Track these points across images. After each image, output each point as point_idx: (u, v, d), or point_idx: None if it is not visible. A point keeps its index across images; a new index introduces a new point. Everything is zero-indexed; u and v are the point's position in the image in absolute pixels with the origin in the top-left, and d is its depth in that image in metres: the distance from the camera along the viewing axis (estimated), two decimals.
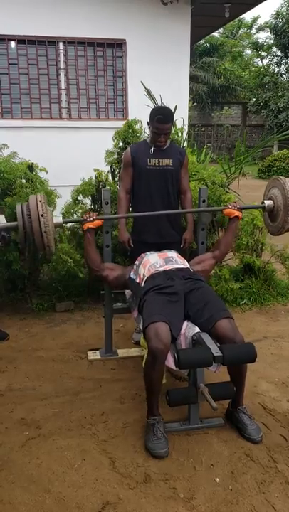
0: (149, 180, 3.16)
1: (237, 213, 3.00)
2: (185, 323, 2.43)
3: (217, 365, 2.33)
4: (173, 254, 2.91)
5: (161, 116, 3.00)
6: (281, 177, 3.01)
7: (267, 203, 3.05)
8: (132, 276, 2.91)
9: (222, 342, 2.29)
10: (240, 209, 3.02)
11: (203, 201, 3.23)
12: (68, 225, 4.22)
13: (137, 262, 2.96)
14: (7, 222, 3.33)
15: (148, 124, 3.11)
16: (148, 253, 2.95)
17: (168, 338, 2.25)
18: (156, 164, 3.14)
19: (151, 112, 3.07)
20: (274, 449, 2.31)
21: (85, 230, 2.90)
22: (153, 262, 2.80)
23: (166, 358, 2.28)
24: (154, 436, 2.30)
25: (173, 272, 2.68)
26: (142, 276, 2.77)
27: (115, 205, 3.94)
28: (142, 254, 2.97)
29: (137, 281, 2.82)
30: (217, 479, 2.11)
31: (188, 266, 2.83)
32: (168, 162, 3.15)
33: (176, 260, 2.82)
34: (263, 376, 3.02)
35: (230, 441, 2.38)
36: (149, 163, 3.13)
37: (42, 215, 2.58)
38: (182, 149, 3.36)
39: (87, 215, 2.93)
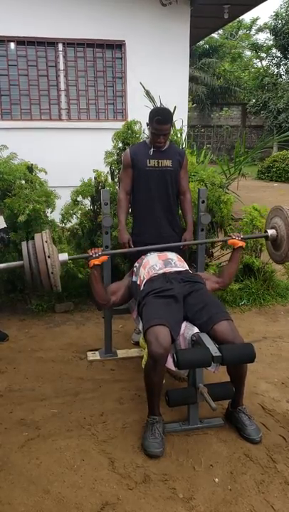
0: (149, 181, 3.16)
1: (241, 243, 2.98)
2: (184, 324, 2.44)
3: (216, 365, 2.33)
4: (173, 256, 2.90)
5: (160, 117, 3.00)
6: (283, 207, 3.00)
7: (270, 232, 3.06)
8: (133, 279, 2.91)
9: (221, 344, 2.28)
10: (243, 239, 3.01)
11: (203, 202, 3.24)
12: (68, 225, 4.23)
13: (137, 264, 2.95)
14: (7, 233, 3.31)
15: (147, 125, 3.12)
16: (147, 254, 2.94)
17: (168, 341, 2.25)
18: (156, 165, 3.14)
19: (150, 113, 3.07)
20: (273, 450, 2.31)
21: (91, 267, 2.78)
22: (152, 264, 2.79)
23: (166, 360, 2.28)
24: (152, 435, 2.31)
25: (172, 275, 2.68)
26: (141, 278, 2.76)
27: (115, 206, 3.95)
28: (142, 256, 2.96)
29: (138, 283, 2.81)
30: (216, 479, 2.11)
31: (187, 268, 2.82)
32: (167, 163, 3.15)
33: (175, 263, 2.80)
34: (263, 376, 3.02)
35: (229, 441, 2.38)
36: (148, 164, 3.13)
37: (49, 257, 2.53)
38: (181, 150, 3.36)
39: (93, 252, 2.82)
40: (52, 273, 2.53)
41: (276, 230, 3.03)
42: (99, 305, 2.93)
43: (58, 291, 2.66)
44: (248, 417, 2.45)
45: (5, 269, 3.08)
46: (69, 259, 2.82)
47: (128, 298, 2.98)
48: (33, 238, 2.64)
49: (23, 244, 2.62)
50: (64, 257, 2.75)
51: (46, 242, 2.56)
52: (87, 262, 2.80)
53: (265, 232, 3.10)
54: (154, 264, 2.79)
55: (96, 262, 2.75)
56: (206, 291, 2.63)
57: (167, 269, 2.73)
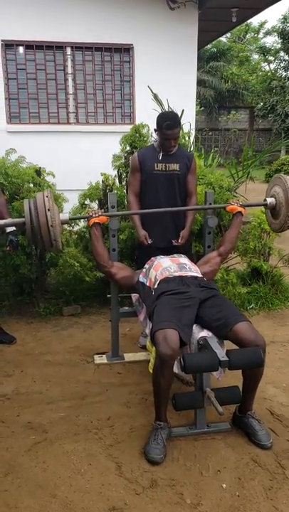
0: (156, 185, 3.16)
1: (240, 209, 3.04)
2: (192, 328, 2.41)
3: (220, 372, 2.32)
4: (186, 260, 2.87)
5: (170, 122, 3.00)
6: (282, 175, 3.08)
7: (269, 200, 3.12)
8: (141, 279, 2.89)
9: (242, 345, 2.26)
10: (242, 206, 3.06)
11: (210, 205, 3.23)
12: (75, 228, 4.23)
13: (146, 266, 2.93)
14: (16, 236, 3.35)
15: (155, 130, 3.11)
16: (158, 257, 2.93)
17: (177, 343, 2.22)
18: (163, 169, 3.13)
19: (158, 119, 3.06)
20: (282, 455, 2.28)
21: (91, 225, 2.93)
22: (166, 266, 2.76)
23: (174, 362, 2.26)
24: (154, 440, 2.28)
25: (188, 279, 2.65)
26: (153, 280, 2.73)
27: (122, 210, 3.95)
28: (152, 258, 2.94)
29: (148, 284, 2.78)
30: (224, 485, 2.10)
31: (201, 275, 2.79)
32: (175, 167, 3.15)
33: (190, 267, 2.78)
34: (271, 381, 3.00)
35: (237, 446, 2.36)
36: (156, 168, 3.13)
37: (49, 210, 2.62)
38: (190, 154, 3.34)
39: (93, 212, 2.99)
40: (51, 225, 2.62)
41: (275, 198, 3.09)
42: (99, 265, 3.04)
43: (58, 247, 2.76)
44: (258, 421, 2.42)
45: (6, 226, 3.18)
46: (70, 219, 3.02)
47: (129, 286, 3.01)
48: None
49: (26, 201, 2.73)
50: (65, 216, 2.93)
51: (47, 196, 2.67)
52: (88, 221, 2.98)
53: (265, 200, 3.16)
54: (168, 266, 2.76)
55: (96, 220, 2.94)
56: (222, 297, 2.62)
57: (183, 273, 2.70)
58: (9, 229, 3.32)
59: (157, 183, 3.15)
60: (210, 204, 3.23)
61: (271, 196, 3.13)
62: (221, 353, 2.17)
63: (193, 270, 2.77)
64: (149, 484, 2.09)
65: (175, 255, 2.96)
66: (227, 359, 2.14)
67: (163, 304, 2.47)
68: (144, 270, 2.93)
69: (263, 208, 4.40)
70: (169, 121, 2.99)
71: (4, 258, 3.73)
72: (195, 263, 3.00)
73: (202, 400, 2.32)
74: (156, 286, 2.66)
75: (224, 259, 3.14)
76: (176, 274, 2.68)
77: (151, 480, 2.12)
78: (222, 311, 2.40)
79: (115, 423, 2.55)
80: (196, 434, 2.43)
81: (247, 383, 2.41)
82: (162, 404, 2.35)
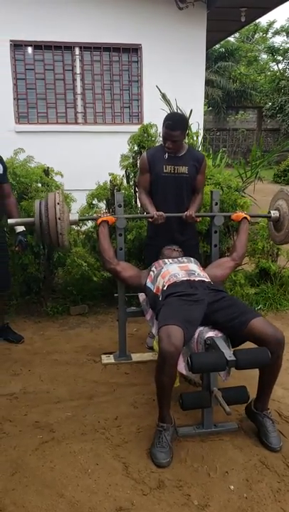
0: (164, 187, 3.15)
1: (244, 215, 3.16)
2: (198, 329, 2.40)
3: (226, 373, 2.30)
4: (195, 267, 2.82)
5: (170, 122, 2.98)
6: (287, 188, 3.17)
7: (273, 213, 3.24)
8: (148, 284, 2.87)
9: (261, 340, 2.24)
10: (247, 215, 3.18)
11: (216, 204, 3.23)
12: (83, 228, 4.24)
13: (154, 270, 2.88)
14: (25, 236, 3.39)
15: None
16: (167, 262, 2.87)
17: (180, 341, 2.19)
18: (172, 171, 3.11)
19: (165, 117, 3.07)
20: None
21: (99, 223, 3.01)
22: (174, 273, 2.72)
23: (178, 362, 2.23)
24: (159, 443, 2.26)
25: (196, 283, 2.63)
26: (160, 287, 2.69)
27: (129, 209, 3.95)
28: (161, 262, 2.90)
29: (154, 291, 2.75)
30: (232, 487, 2.08)
31: (210, 280, 2.77)
32: (183, 170, 3.12)
33: (198, 274, 2.75)
34: (279, 382, 2.96)
35: (245, 448, 2.34)
36: (164, 170, 3.11)
37: (58, 203, 2.70)
38: (200, 155, 3.26)
39: (102, 213, 3.09)
40: (59, 218, 2.71)
41: (279, 211, 3.20)
42: (104, 262, 3.05)
43: (64, 242, 2.81)
44: (272, 422, 2.39)
45: (16, 225, 3.21)
46: (79, 220, 3.11)
47: (136, 286, 3.02)
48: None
49: (36, 202, 2.80)
50: (74, 216, 3.02)
51: (58, 193, 2.77)
52: (96, 221, 3.06)
53: (269, 212, 3.27)
54: (176, 273, 2.72)
55: (104, 218, 3.03)
56: (231, 297, 2.60)
57: (191, 278, 2.67)
58: (19, 229, 3.34)
59: (166, 185, 3.14)
60: (216, 203, 3.23)
61: (275, 209, 3.24)
62: (229, 353, 2.17)
63: (202, 276, 2.74)
64: (156, 485, 2.09)
65: (184, 259, 2.92)
66: (234, 359, 2.14)
67: (170, 303, 2.46)
68: (151, 274, 2.89)
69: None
70: (170, 121, 2.98)
71: (12, 257, 3.74)
72: (203, 265, 2.99)
73: (209, 400, 2.31)
74: (163, 290, 2.65)
75: (238, 264, 3.13)
76: (184, 278, 2.66)
77: (159, 481, 2.11)
78: (234, 311, 2.38)
79: (122, 423, 2.54)
80: (203, 433, 2.42)
81: (263, 377, 2.37)
82: (165, 404, 2.32)
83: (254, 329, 2.27)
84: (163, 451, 2.24)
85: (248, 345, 2.33)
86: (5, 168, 3.36)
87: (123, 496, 2.02)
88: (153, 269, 2.91)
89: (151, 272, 2.90)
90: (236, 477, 2.14)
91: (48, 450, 2.33)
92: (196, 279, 2.67)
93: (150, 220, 3.11)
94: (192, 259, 2.96)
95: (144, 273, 3.01)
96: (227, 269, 3.02)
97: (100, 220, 3.01)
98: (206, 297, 2.50)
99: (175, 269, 2.76)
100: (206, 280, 2.71)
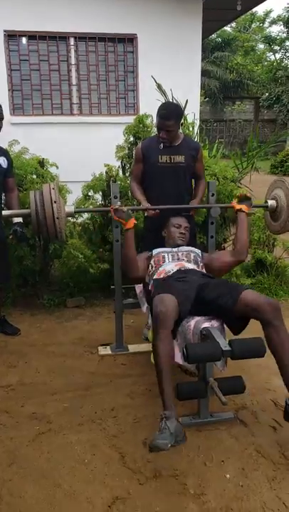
0: (161, 177, 3.14)
1: (241, 206, 3.03)
2: (194, 320, 2.40)
3: (222, 363, 2.31)
4: (190, 265, 2.79)
5: (164, 112, 2.98)
6: (284, 178, 3.17)
7: (270, 202, 3.21)
8: (146, 280, 2.90)
9: (257, 311, 2.24)
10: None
11: (212, 195, 3.22)
12: (79, 220, 4.22)
13: (153, 264, 2.86)
14: (22, 227, 3.34)
15: None
16: (166, 260, 2.83)
17: (173, 304, 2.23)
18: (168, 161, 3.11)
19: (159, 106, 3.05)
20: (285, 446, 2.28)
21: (127, 229, 2.82)
22: (167, 270, 2.73)
23: (171, 325, 2.21)
24: (159, 431, 2.08)
25: (187, 269, 2.68)
26: (155, 284, 2.72)
27: (125, 201, 3.93)
28: (160, 258, 2.85)
29: (150, 288, 2.77)
30: (228, 475, 2.10)
31: (204, 271, 2.79)
32: (180, 159, 3.12)
33: (193, 267, 2.77)
34: (275, 372, 2.95)
35: (241, 437, 2.36)
36: (160, 160, 3.11)
37: (55, 202, 2.65)
38: (196, 144, 3.29)
39: (116, 206, 2.89)
40: (57, 218, 2.64)
41: (276, 201, 3.17)
42: (130, 271, 2.89)
43: (62, 239, 2.78)
44: None
45: (11, 216, 3.18)
46: (75, 212, 2.99)
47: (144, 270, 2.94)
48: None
49: (31, 192, 2.74)
50: (70, 208, 2.92)
51: (53, 189, 2.68)
52: (124, 224, 2.84)
53: (266, 202, 3.24)
54: (170, 269, 2.73)
55: (130, 226, 2.82)
56: (221, 279, 2.65)
57: (183, 267, 2.71)
58: (15, 220, 3.32)
59: (162, 175, 3.13)
60: (212, 194, 3.22)
61: (272, 199, 3.22)
62: (224, 343, 2.17)
63: (194, 267, 2.77)
64: (152, 474, 2.10)
65: (184, 258, 2.85)
66: (230, 349, 2.15)
67: (162, 285, 2.53)
68: (150, 269, 2.87)
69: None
70: (164, 111, 2.98)
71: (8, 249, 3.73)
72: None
73: (205, 390, 2.32)
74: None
75: (239, 261, 3.01)
76: (176, 269, 2.69)
77: (155, 470, 2.12)
78: (224, 288, 2.42)
79: (119, 414, 2.55)
80: (199, 423, 2.44)
81: (283, 358, 2.25)
82: (165, 385, 2.16)
83: (246, 300, 2.28)
84: (161, 437, 2.02)
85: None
86: (10, 163, 3.37)
87: (119, 486, 2.04)
88: (152, 263, 2.89)
89: (150, 267, 2.90)
90: (232, 466, 2.16)
91: (45, 441, 2.34)
92: (189, 267, 2.72)
93: (152, 213, 3.10)
94: (192, 249, 2.94)
95: (141, 256, 2.98)
96: (226, 264, 2.96)
97: (131, 224, 2.82)
98: (197, 279, 2.55)
99: (171, 267, 2.77)
100: (198, 270, 2.74)
